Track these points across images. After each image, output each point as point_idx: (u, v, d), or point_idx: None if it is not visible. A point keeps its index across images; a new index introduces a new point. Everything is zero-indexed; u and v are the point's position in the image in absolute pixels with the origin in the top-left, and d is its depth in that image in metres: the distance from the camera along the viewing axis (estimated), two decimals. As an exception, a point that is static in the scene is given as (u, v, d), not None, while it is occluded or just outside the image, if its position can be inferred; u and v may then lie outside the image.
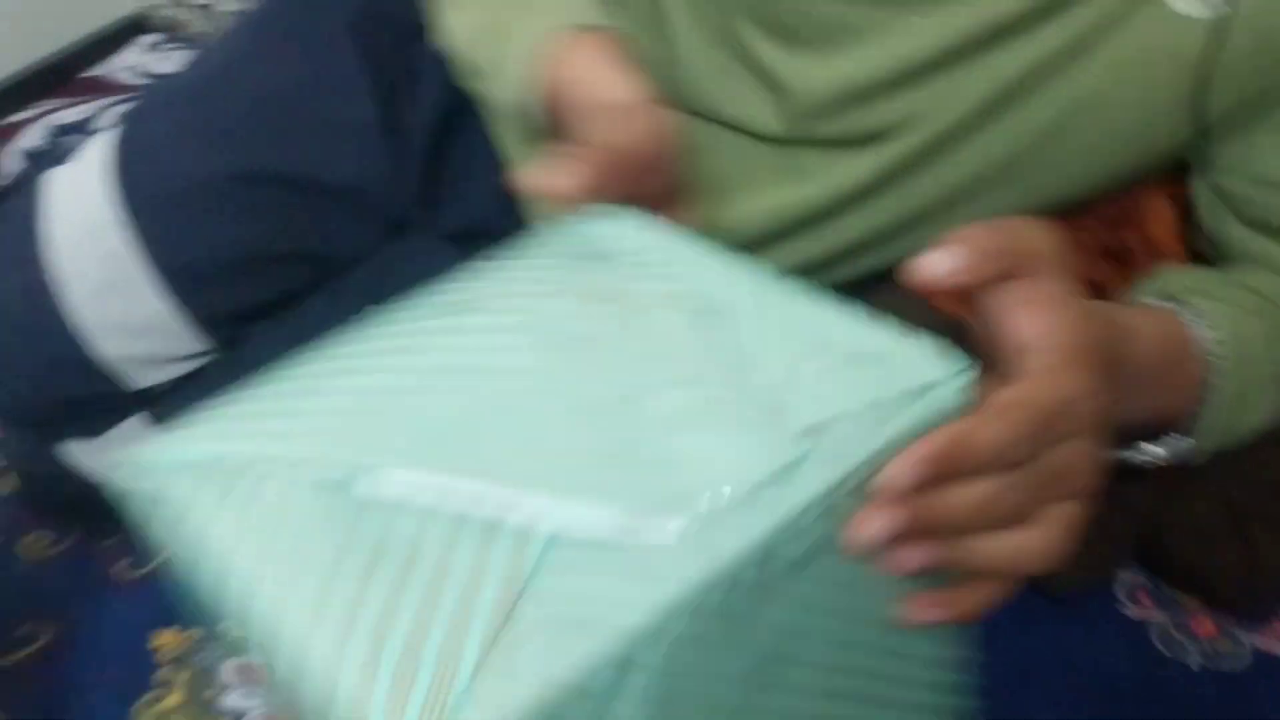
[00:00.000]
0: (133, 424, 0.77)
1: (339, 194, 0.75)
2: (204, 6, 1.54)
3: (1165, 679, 0.60)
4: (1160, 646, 0.62)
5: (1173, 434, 0.53)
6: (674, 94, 0.69)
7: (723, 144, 0.70)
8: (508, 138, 0.76)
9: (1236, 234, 0.64)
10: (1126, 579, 0.66)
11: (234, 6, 1.51)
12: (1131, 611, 0.65)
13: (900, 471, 0.34)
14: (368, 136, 0.74)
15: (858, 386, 0.35)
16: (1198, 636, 0.63)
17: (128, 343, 0.74)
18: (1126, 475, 0.57)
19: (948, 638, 0.41)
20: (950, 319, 0.63)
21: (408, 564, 0.31)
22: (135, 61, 1.54)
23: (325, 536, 0.33)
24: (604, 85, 0.57)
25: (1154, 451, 0.54)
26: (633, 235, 0.44)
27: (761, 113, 0.68)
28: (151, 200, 0.73)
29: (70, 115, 1.43)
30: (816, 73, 0.64)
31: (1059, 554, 0.38)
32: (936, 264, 0.37)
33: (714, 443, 0.33)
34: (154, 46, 1.56)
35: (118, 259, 0.72)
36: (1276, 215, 0.62)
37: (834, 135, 0.66)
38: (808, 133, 0.67)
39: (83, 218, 0.73)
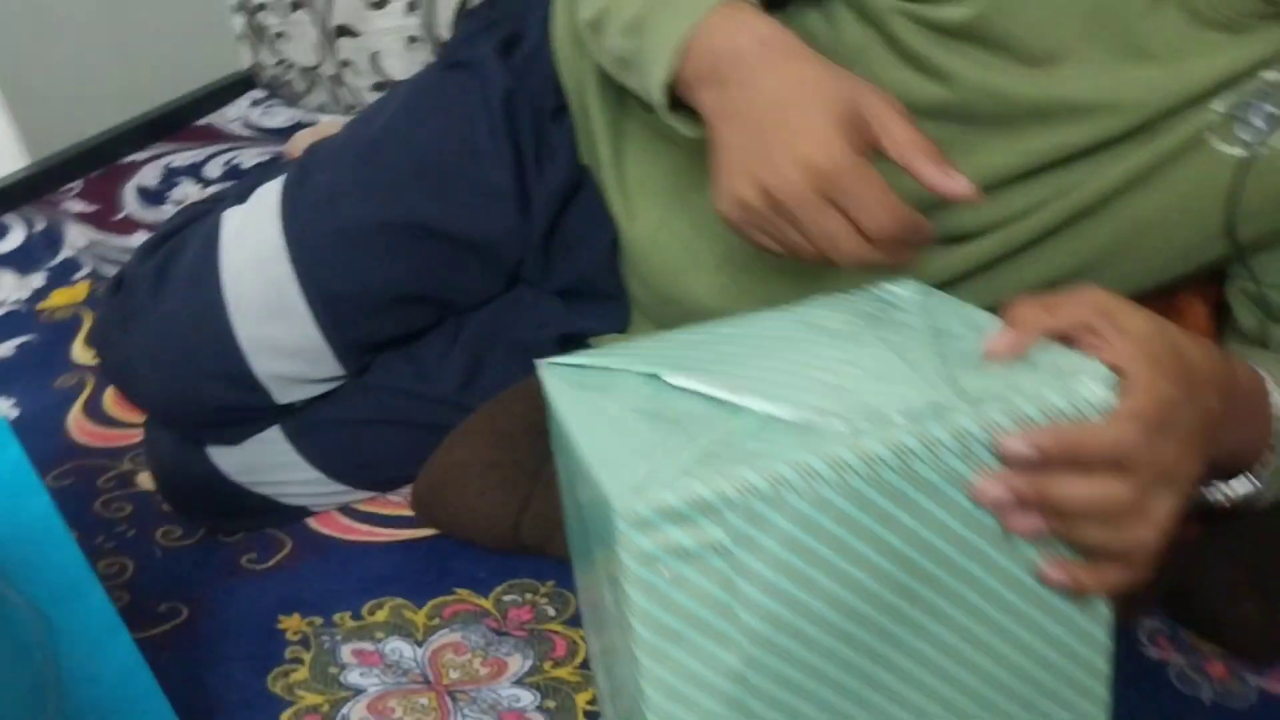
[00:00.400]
0: (270, 434, 0.88)
1: (474, 247, 0.86)
2: (307, 70, 1.68)
3: (1180, 712, 0.69)
4: (1177, 684, 0.71)
5: (1246, 474, 0.62)
6: None
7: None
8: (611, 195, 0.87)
9: (1275, 334, 0.74)
10: (1148, 625, 0.76)
11: (332, 71, 1.65)
12: (1151, 653, 0.74)
13: (1018, 443, 0.44)
14: (504, 200, 0.86)
15: (1018, 375, 0.46)
16: (1210, 677, 0.72)
17: (279, 362, 0.84)
18: (1207, 514, 0.67)
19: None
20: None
21: (684, 425, 0.46)
22: (243, 114, 1.67)
23: (643, 407, 0.48)
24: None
25: (1231, 489, 0.62)
26: (910, 294, 0.57)
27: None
28: (314, 240, 0.84)
29: (182, 159, 1.56)
30: (910, 181, 0.75)
31: (1157, 547, 0.47)
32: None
33: (898, 390, 0.46)
34: (260, 102, 1.71)
35: (281, 288, 0.83)
36: None
37: None
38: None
39: (254, 251, 0.84)
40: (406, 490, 0.92)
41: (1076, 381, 0.45)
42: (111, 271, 1.32)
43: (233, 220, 0.86)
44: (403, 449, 0.90)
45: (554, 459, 0.58)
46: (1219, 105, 0.66)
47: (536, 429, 0.79)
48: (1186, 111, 0.67)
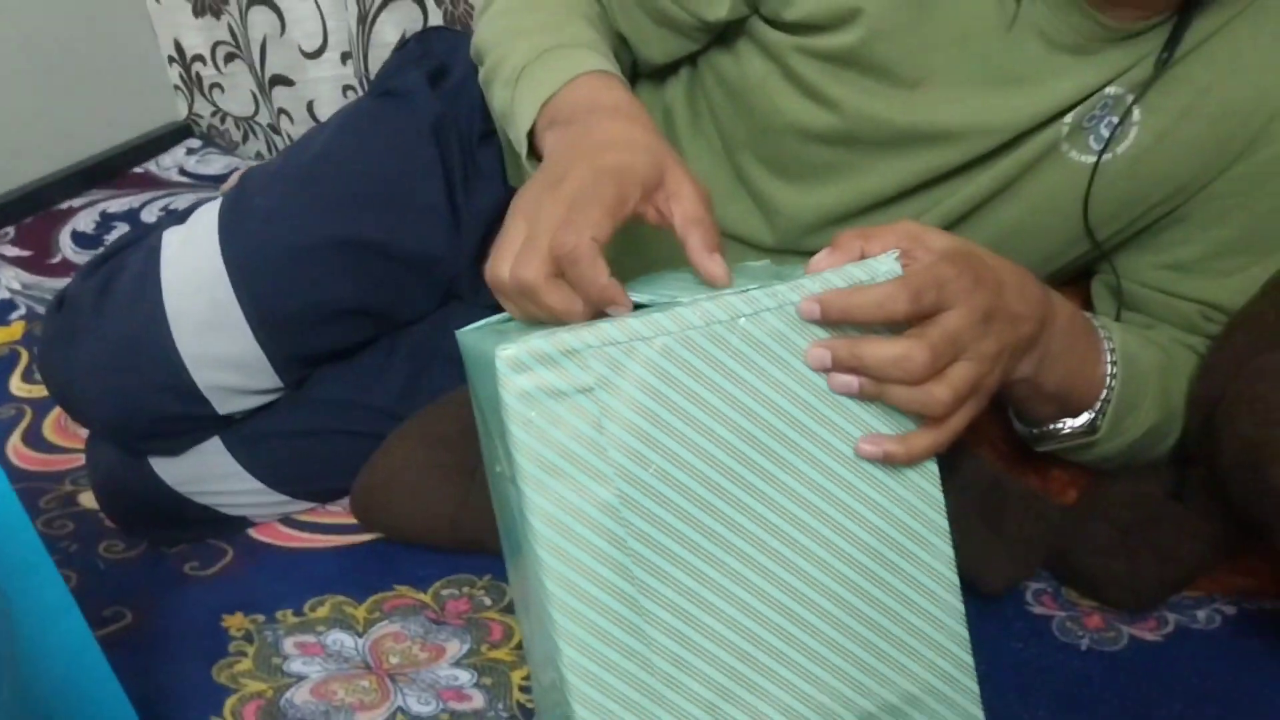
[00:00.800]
0: (211, 445, 0.91)
1: (409, 263, 0.91)
2: (242, 119, 1.73)
3: (1061, 660, 0.76)
4: (1058, 635, 0.78)
5: (1085, 412, 0.72)
6: None
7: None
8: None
9: (1126, 319, 0.83)
10: (1034, 586, 0.82)
11: (268, 120, 1.70)
12: (1036, 610, 0.80)
13: (810, 302, 0.54)
14: (437, 218, 0.91)
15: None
16: (1088, 628, 0.79)
17: (220, 374, 0.88)
18: (1046, 451, 0.77)
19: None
20: (992, 471, 0.81)
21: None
22: (179, 162, 1.71)
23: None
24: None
25: (1073, 424, 0.73)
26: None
27: (758, 230, 0.86)
28: (252, 257, 0.88)
29: (117, 205, 1.59)
30: (804, 200, 0.83)
31: (954, 405, 0.56)
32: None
33: (742, 285, 0.56)
34: (196, 150, 1.74)
35: (220, 303, 0.87)
36: (1163, 309, 0.81)
37: (814, 249, 0.84)
38: (794, 246, 0.85)
39: (194, 267, 0.88)
40: (345, 501, 0.95)
41: (876, 261, 0.56)
42: (48, 311, 1.34)
43: (173, 239, 0.90)
44: (341, 459, 0.94)
45: (478, 428, 0.64)
46: (1069, 118, 0.74)
47: (471, 432, 0.84)
48: (1041, 127, 0.75)
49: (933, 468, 0.58)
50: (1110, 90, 0.73)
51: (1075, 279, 0.86)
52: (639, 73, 0.91)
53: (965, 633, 0.60)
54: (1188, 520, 0.77)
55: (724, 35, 0.84)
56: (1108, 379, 0.71)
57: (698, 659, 0.55)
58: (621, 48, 0.86)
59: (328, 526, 0.95)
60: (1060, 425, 0.73)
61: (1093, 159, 0.75)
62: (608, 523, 0.52)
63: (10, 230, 1.53)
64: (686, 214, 0.60)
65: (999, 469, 0.82)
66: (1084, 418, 0.72)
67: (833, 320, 0.55)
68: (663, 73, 0.90)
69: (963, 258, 0.58)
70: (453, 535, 0.88)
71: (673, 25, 0.82)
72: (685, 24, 0.81)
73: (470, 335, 0.62)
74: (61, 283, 1.41)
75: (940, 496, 0.59)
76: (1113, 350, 0.71)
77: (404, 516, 0.89)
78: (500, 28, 0.81)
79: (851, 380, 0.55)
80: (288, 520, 0.95)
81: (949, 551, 0.59)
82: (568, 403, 0.52)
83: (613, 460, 0.52)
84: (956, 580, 0.60)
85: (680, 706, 0.54)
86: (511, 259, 0.57)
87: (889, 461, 0.56)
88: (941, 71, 0.75)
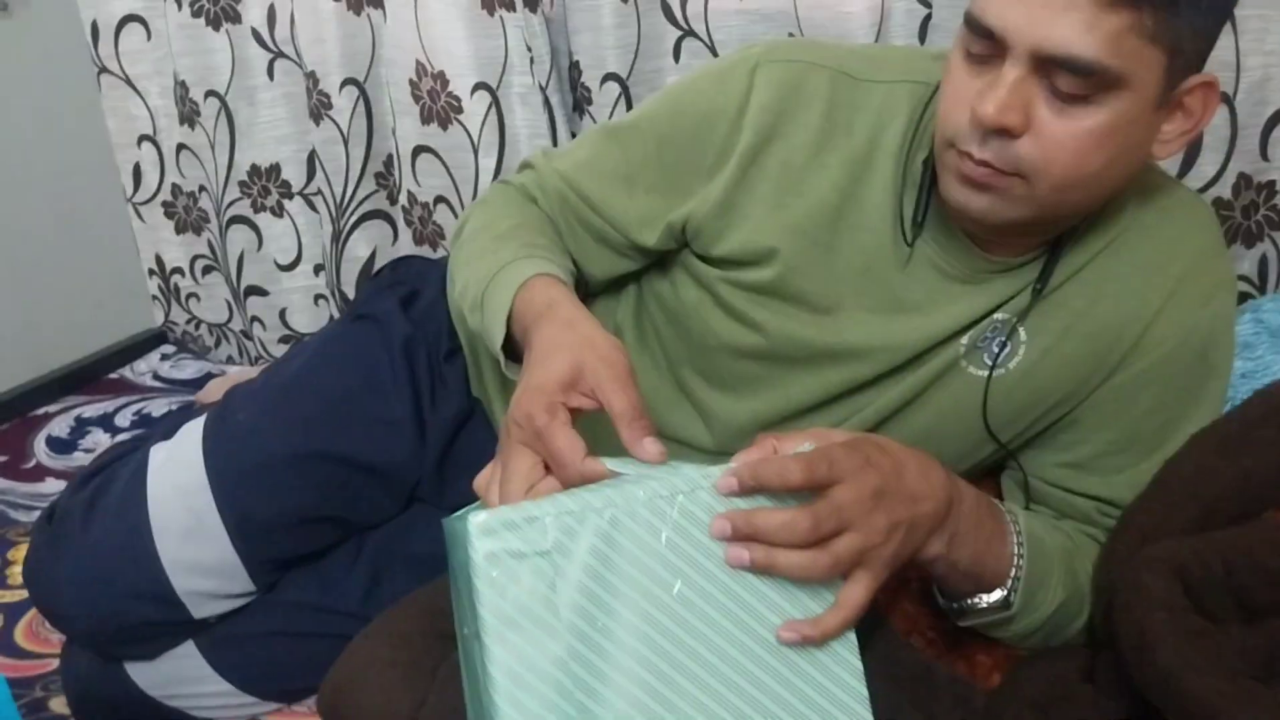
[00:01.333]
0: (185, 649, 0.95)
1: (375, 471, 0.98)
2: (216, 325, 1.83)
3: None
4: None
5: (999, 589, 0.80)
6: None
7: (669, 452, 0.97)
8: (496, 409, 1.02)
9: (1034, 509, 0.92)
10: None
11: (241, 327, 1.80)
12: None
13: (727, 478, 0.64)
14: (403, 429, 0.99)
15: None
16: (1015, 811, 0.83)
17: (198, 580, 0.93)
18: (966, 626, 0.83)
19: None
20: (922, 659, 0.88)
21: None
22: (153, 367, 1.79)
23: None
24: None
25: (989, 599, 0.80)
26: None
27: (699, 434, 0.95)
28: (233, 470, 0.95)
29: (92, 410, 1.66)
30: (737, 408, 0.92)
31: (833, 569, 0.65)
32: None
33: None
34: (169, 356, 1.83)
35: (201, 513, 0.94)
36: (1063, 504, 0.90)
37: None
38: (731, 448, 0.94)
39: (177, 480, 0.95)
40: (311, 701, 0.99)
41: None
42: (20, 516, 1.39)
43: (159, 454, 0.97)
44: (309, 660, 0.98)
45: (453, 602, 0.70)
46: (965, 339, 0.85)
47: (433, 632, 0.90)
48: (940, 347, 0.86)
49: (851, 638, 0.67)
50: (999, 315, 0.85)
51: (989, 473, 0.96)
52: (590, 292, 1.01)
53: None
54: (1098, 700, 0.83)
55: (662, 264, 0.96)
56: (1015, 557, 0.79)
57: None
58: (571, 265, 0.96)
59: (294, 727, 0.98)
60: (978, 600, 0.81)
61: (984, 374, 0.86)
62: (557, 674, 0.60)
63: (-14, 437, 1.59)
64: (613, 407, 0.69)
65: (929, 656, 0.89)
66: (998, 594, 0.80)
67: (746, 487, 0.64)
68: (612, 293, 1.01)
69: (858, 442, 0.68)
70: (415, 733, 0.92)
71: (609, 245, 0.94)
72: (620, 245, 0.93)
73: (452, 519, 0.69)
74: (35, 487, 1.46)
75: (859, 665, 0.67)
76: (1018, 531, 0.80)
77: (367, 713, 0.93)
78: (463, 255, 0.92)
79: (743, 552, 0.64)
80: (255, 721, 0.99)
81: (869, 715, 0.67)
82: (527, 563, 0.60)
83: (564, 617, 0.60)
84: (862, 675, 0.67)
85: None
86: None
87: (806, 644, 0.64)
88: (850, 299, 0.86)
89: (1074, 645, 0.88)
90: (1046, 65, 0.70)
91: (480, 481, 0.70)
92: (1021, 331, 0.85)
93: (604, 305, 1.02)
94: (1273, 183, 1.24)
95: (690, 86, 0.91)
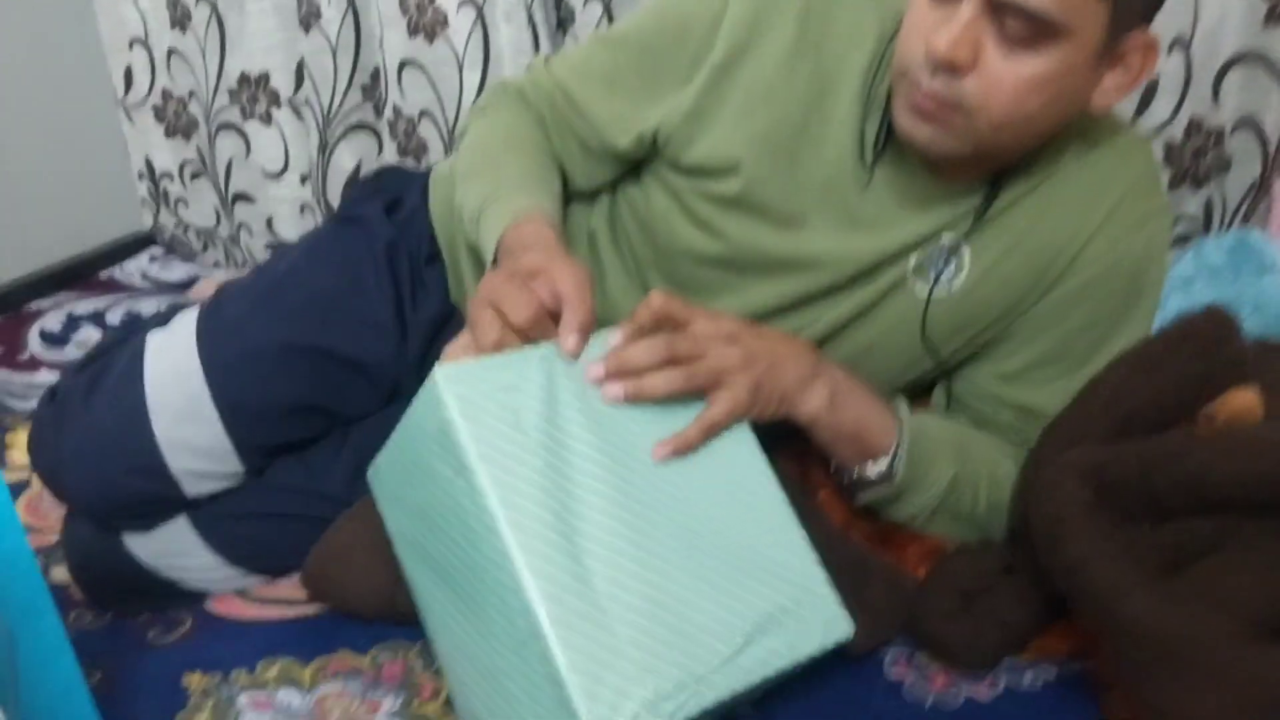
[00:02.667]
0: (178, 523, 1.02)
1: (359, 367, 1.04)
2: (204, 230, 1.87)
3: (906, 716, 0.89)
4: (907, 695, 0.91)
5: (883, 456, 0.89)
6: (602, 314, 1.03)
7: None
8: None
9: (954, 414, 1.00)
10: (893, 651, 0.96)
11: (228, 233, 1.84)
12: (892, 672, 0.94)
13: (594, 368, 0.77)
14: (385, 329, 1.05)
15: None
16: (932, 689, 0.92)
17: (191, 460, 0.99)
18: (856, 493, 0.94)
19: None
20: (858, 550, 0.95)
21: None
22: (142, 268, 1.84)
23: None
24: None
25: (875, 468, 0.90)
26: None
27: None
28: (224, 359, 1.01)
29: (84, 307, 1.71)
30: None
31: (691, 385, 0.78)
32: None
33: None
34: (158, 258, 1.87)
35: (195, 398, 0.99)
36: (988, 413, 0.97)
37: None
38: None
39: (173, 365, 1.00)
40: (296, 577, 1.06)
41: None
42: (16, 404, 1.44)
43: (155, 341, 1.02)
44: (293, 539, 1.05)
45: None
46: (913, 259, 0.92)
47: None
48: (891, 264, 0.92)
49: (748, 438, 0.81)
50: (945, 236, 0.91)
51: (926, 392, 1.03)
52: (570, 194, 1.07)
53: (813, 554, 0.78)
54: (1019, 590, 0.91)
55: (636, 172, 1.01)
56: (897, 430, 0.89)
57: (625, 577, 0.70)
58: (559, 170, 1.03)
59: (278, 600, 1.05)
60: (865, 468, 0.89)
61: (926, 294, 0.93)
62: (539, 491, 0.69)
63: (-19, 329, 1.64)
64: (562, 295, 0.78)
65: (864, 549, 0.97)
66: (883, 461, 0.88)
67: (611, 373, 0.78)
68: (587, 200, 1.07)
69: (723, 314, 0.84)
70: (391, 607, 1.00)
71: (590, 151, 1.00)
72: (598, 150, 0.99)
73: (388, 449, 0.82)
74: (29, 377, 1.52)
75: (763, 459, 0.80)
76: (896, 403, 0.90)
77: (349, 590, 1.01)
78: (464, 166, 1.00)
79: (616, 388, 0.77)
80: (243, 593, 1.06)
81: (781, 496, 0.80)
82: (492, 400, 0.71)
83: (533, 439, 0.71)
84: (794, 517, 0.79)
85: (621, 614, 0.68)
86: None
87: (678, 454, 0.77)
88: (812, 213, 0.93)
89: (996, 541, 0.96)
90: (999, 9, 0.75)
91: (452, 347, 0.78)
92: (966, 252, 0.92)
93: (580, 210, 1.08)
94: (1222, 128, 1.30)
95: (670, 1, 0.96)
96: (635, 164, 1.02)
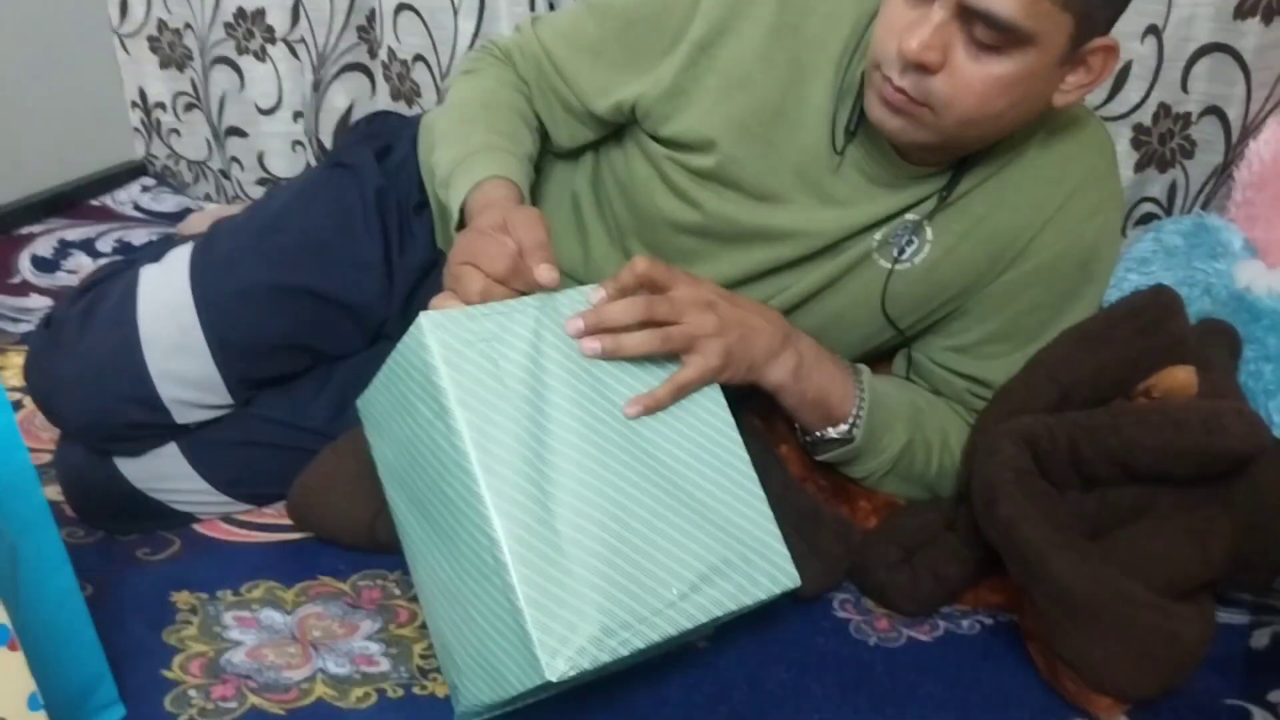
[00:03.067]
0: (168, 449, 1.07)
1: (346, 308, 1.09)
2: (195, 163, 1.89)
3: (853, 652, 0.96)
4: (854, 635, 0.98)
5: (843, 422, 0.95)
6: (586, 276, 1.08)
7: None
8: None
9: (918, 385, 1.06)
10: (839, 595, 1.03)
11: (219, 166, 1.86)
12: (839, 614, 1.01)
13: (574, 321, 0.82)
14: (373, 272, 1.10)
15: None
16: (877, 629, 0.99)
17: (180, 390, 1.04)
18: (815, 451, 1.00)
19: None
20: (811, 501, 1.01)
21: None
22: (133, 198, 1.86)
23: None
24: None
25: (834, 431, 0.96)
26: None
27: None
28: (216, 295, 1.05)
29: (75, 234, 1.73)
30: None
31: (666, 346, 0.83)
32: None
33: None
34: (150, 188, 1.90)
35: (186, 331, 1.04)
36: (942, 382, 1.03)
37: None
38: None
39: (166, 299, 1.04)
40: (280, 505, 1.12)
41: None
42: (7, 325, 1.48)
43: (149, 275, 1.06)
44: (278, 469, 1.10)
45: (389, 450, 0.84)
46: (878, 235, 0.97)
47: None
48: (857, 238, 0.97)
49: (718, 399, 0.86)
50: (910, 216, 0.96)
51: (886, 358, 1.09)
52: (555, 155, 1.11)
53: (768, 512, 0.84)
54: (956, 546, 0.98)
55: (619, 138, 1.05)
56: (858, 398, 0.95)
57: (587, 522, 0.75)
58: (537, 131, 1.07)
59: (264, 525, 1.11)
60: (826, 431, 0.95)
61: (889, 266, 0.98)
62: (515, 436, 0.75)
63: (-27, 251, 1.67)
64: (522, 243, 0.83)
65: (818, 500, 1.03)
66: (843, 426, 0.94)
67: (591, 328, 0.83)
68: (571, 161, 1.11)
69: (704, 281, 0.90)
70: (370, 537, 1.05)
71: (573, 112, 1.04)
72: (580, 112, 1.04)
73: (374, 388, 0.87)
74: (20, 301, 1.55)
75: (731, 421, 0.86)
76: (860, 379, 0.96)
77: (331, 518, 1.06)
78: (440, 128, 1.04)
79: (595, 343, 0.81)
80: (229, 519, 1.11)
81: (745, 456, 0.85)
82: (473, 349, 0.76)
83: (512, 389, 0.76)
84: (755, 476, 0.84)
85: (579, 555, 0.74)
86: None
87: (649, 411, 0.82)
88: (786, 191, 0.97)
89: (942, 500, 1.03)
90: (968, 14, 0.79)
91: (437, 301, 0.82)
92: (929, 231, 0.97)
93: (564, 174, 1.12)
94: (1189, 114, 1.35)
95: None
96: (618, 128, 1.06)
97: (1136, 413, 0.91)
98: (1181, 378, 0.96)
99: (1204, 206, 1.39)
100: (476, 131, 0.98)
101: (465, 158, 0.95)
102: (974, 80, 0.81)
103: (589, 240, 1.09)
